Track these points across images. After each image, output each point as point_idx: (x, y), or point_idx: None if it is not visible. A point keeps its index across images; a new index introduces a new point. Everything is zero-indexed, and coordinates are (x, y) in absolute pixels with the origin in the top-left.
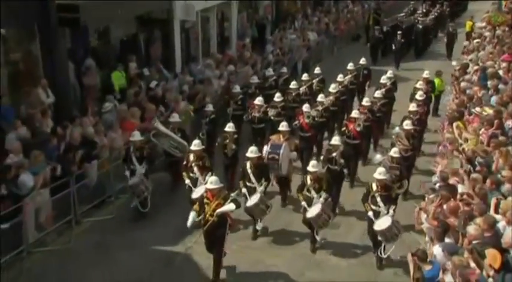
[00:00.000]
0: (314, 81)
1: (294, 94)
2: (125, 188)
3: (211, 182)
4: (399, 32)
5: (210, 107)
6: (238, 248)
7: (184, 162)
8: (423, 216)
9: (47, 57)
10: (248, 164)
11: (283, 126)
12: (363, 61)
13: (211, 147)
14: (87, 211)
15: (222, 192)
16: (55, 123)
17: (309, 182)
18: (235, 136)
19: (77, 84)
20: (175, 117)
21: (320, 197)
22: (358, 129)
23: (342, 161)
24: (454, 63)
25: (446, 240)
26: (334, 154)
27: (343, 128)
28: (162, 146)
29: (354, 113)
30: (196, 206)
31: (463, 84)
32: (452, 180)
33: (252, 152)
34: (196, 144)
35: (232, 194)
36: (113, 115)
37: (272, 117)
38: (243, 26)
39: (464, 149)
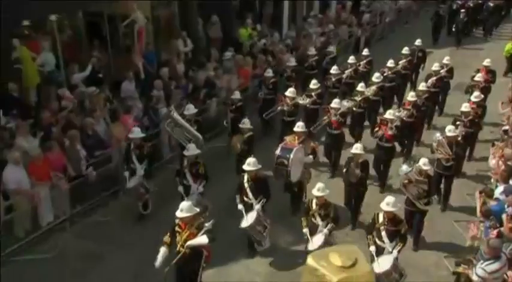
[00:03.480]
0: (361, 63)
1: (334, 79)
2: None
3: (182, 209)
4: (462, 10)
5: (237, 95)
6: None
7: (179, 167)
8: (491, 161)
9: (182, 14)
10: (246, 178)
11: (298, 126)
12: (418, 42)
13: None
14: None
15: (195, 221)
16: (186, 67)
17: (314, 206)
18: (248, 134)
19: (204, 36)
20: (190, 109)
21: (326, 225)
22: (390, 132)
23: (358, 172)
24: None
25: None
26: (355, 162)
27: (376, 129)
28: (175, 136)
29: (388, 114)
30: (167, 238)
31: None
32: None
33: (249, 164)
34: (190, 149)
35: (206, 224)
36: (231, 62)
37: (307, 105)
38: None
39: None
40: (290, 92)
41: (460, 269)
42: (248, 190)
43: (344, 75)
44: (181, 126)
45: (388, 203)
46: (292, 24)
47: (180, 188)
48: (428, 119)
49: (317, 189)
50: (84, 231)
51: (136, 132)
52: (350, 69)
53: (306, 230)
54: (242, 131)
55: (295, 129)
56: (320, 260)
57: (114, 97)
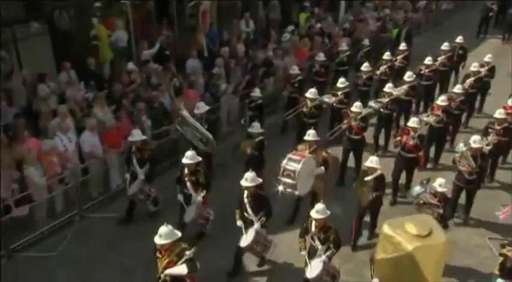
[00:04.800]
0: (398, 57)
1: (364, 77)
2: None
3: (161, 234)
4: None
5: (257, 92)
6: None
7: (179, 175)
8: None
9: None
10: (245, 193)
11: (309, 134)
12: (459, 39)
13: None
14: None
15: (175, 247)
16: (246, 48)
17: (313, 228)
18: (259, 139)
19: (264, 17)
20: (200, 108)
21: (327, 249)
22: (412, 142)
23: (370, 197)
24: None
25: None
26: (369, 178)
27: (397, 137)
28: (186, 135)
29: (412, 122)
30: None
31: None
32: None
33: (247, 179)
34: (189, 157)
35: (187, 252)
36: (289, 43)
37: (334, 105)
38: None
39: None
40: (311, 92)
41: (504, 251)
42: (247, 206)
43: (378, 72)
44: (191, 125)
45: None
46: (349, 8)
47: (180, 197)
48: (465, 122)
49: (316, 211)
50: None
51: (137, 135)
52: (384, 66)
53: (304, 253)
54: (252, 135)
55: (306, 137)
56: (396, 228)
57: (178, 73)
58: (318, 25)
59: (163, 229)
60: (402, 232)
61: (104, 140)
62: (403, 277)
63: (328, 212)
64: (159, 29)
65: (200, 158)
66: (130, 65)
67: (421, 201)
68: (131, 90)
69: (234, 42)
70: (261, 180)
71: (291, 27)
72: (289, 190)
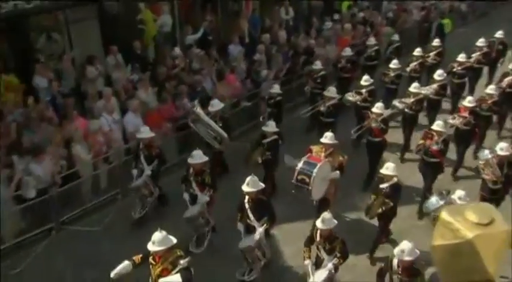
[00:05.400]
0: (431, 54)
1: (392, 75)
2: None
3: (154, 241)
4: None
5: (276, 88)
6: None
7: (185, 173)
8: None
9: None
10: (246, 198)
11: (326, 137)
12: (499, 34)
13: None
14: None
15: (170, 255)
16: (288, 35)
17: (318, 238)
18: (272, 138)
19: (306, 5)
20: (215, 106)
21: (334, 258)
22: (435, 147)
23: (378, 211)
24: None
25: None
26: (385, 185)
27: (420, 141)
28: (200, 133)
29: (436, 126)
30: (137, 258)
31: None
32: None
33: (248, 184)
34: (195, 156)
35: (181, 261)
36: (331, 32)
37: (358, 103)
38: None
39: None
40: (330, 91)
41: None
42: (249, 211)
43: (408, 69)
44: (204, 123)
45: (323, 221)
46: None
47: (186, 196)
48: (499, 126)
49: (321, 221)
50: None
51: (145, 132)
52: (415, 62)
53: (307, 262)
54: (266, 134)
55: (322, 140)
56: (455, 214)
57: (220, 58)
58: (361, 14)
59: (157, 235)
60: (462, 219)
61: (146, 121)
62: (460, 264)
63: (335, 222)
64: (203, 15)
65: (206, 158)
66: (177, 50)
67: (436, 215)
68: (174, 74)
69: (275, 29)
70: (263, 185)
71: (336, 16)
72: (303, 195)
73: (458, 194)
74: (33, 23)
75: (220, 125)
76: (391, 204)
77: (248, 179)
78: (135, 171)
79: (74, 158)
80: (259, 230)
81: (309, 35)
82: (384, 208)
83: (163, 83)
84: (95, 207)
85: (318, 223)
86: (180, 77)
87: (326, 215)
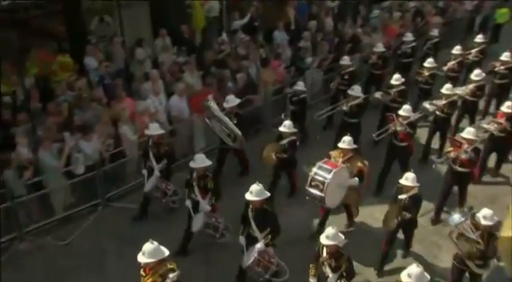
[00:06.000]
0: (473, 51)
1: (427, 74)
2: None
3: (144, 252)
4: None
5: (301, 85)
6: None
7: (188, 177)
8: None
9: None
10: (250, 207)
11: (344, 142)
12: None
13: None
14: None
15: (160, 268)
16: (335, 22)
17: (324, 254)
18: (290, 139)
19: None
20: (230, 102)
21: (338, 278)
22: (464, 156)
23: (394, 222)
24: None
25: None
26: (403, 196)
27: (449, 148)
28: (214, 129)
29: (467, 133)
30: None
31: None
32: None
33: (252, 193)
34: (197, 160)
35: (171, 275)
36: (378, 20)
37: (388, 104)
38: None
39: None
40: (354, 89)
41: None
42: (252, 221)
43: (445, 68)
44: (218, 119)
45: (328, 236)
46: None
47: (188, 203)
48: None
49: (326, 237)
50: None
51: (154, 129)
52: (453, 61)
53: (312, 281)
54: (283, 135)
55: (340, 145)
56: None
57: (266, 44)
58: (412, 3)
59: (148, 246)
60: None
61: (191, 104)
62: None
63: (341, 237)
64: (250, 0)
65: (209, 162)
66: (223, 36)
67: (459, 232)
68: (220, 58)
69: (322, 16)
70: (268, 194)
71: (385, 3)
72: (316, 202)
73: (483, 212)
74: (87, 6)
75: (235, 122)
76: (409, 216)
77: (252, 187)
78: (144, 171)
79: (121, 137)
80: (258, 246)
81: (356, 23)
82: (399, 219)
83: (209, 67)
84: (139, 185)
85: (323, 239)
86: (225, 61)
87: (330, 230)
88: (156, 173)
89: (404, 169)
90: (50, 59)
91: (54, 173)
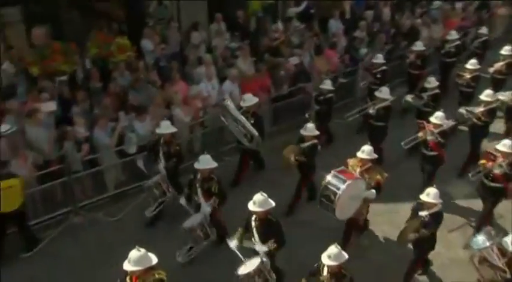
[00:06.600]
0: None
1: (468, 76)
2: None
3: (130, 259)
4: None
5: (327, 84)
6: None
7: (191, 177)
8: None
9: None
10: (253, 217)
11: (363, 151)
12: None
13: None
14: None
15: (148, 276)
16: (392, 13)
17: (325, 273)
18: (311, 143)
19: None
20: (247, 101)
21: None
22: (498, 171)
23: (412, 236)
24: None
25: None
26: (424, 213)
27: (482, 161)
28: (229, 128)
29: (503, 146)
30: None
31: None
32: None
33: (255, 203)
34: (201, 161)
35: None
36: (439, 12)
37: (421, 107)
38: None
39: None
40: (382, 91)
41: None
42: (254, 231)
43: (491, 69)
44: (235, 119)
45: (330, 256)
46: None
47: (183, 201)
48: None
49: (327, 256)
50: (278, 145)
51: (165, 127)
52: (501, 63)
53: None
54: (304, 138)
55: (359, 154)
56: None
57: (320, 32)
58: None
59: (134, 254)
60: None
61: (242, 88)
62: None
63: (345, 257)
64: None
65: (215, 164)
66: (279, 24)
67: (482, 257)
68: (274, 45)
69: (380, 6)
70: (273, 204)
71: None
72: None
73: (511, 237)
74: None
75: (252, 122)
76: (428, 234)
77: (255, 197)
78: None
79: (174, 118)
80: (262, 252)
81: (414, 13)
82: (417, 235)
83: (262, 54)
84: (188, 167)
85: (325, 259)
86: (279, 49)
87: (333, 249)
88: (163, 171)
89: (430, 180)
90: (109, 40)
91: (107, 151)
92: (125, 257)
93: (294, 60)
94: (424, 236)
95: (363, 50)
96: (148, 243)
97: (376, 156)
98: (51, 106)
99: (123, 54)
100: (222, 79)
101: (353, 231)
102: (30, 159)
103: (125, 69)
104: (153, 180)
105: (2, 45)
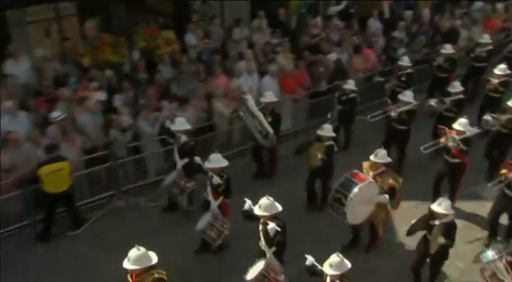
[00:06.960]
0: None
1: (497, 81)
2: None
3: (129, 258)
4: None
5: (351, 84)
6: None
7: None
8: None
9: None
10: (260, 220)
11: (377, 154)
12: None
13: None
14: None
15: (147, 275)
16: (432, 13)
17: (327, 280)
18: (328, 144)
19: None
20: (267, 97)
21: None
22: None
23: (442, 240)
24: None
25: None
26: (436, 223)
27: (503, 170)
28: (246, 122)
29: None
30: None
31: None
32: None
33: (260, 207)
34: (212, 160)
35: None
36: (480, 13)
37: (443, 113)
38: None
39: None
40: (405, 95)
41: None
42: (261, 234)
43: None
44: (251, 113)
45: (332, 265)
46: None
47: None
48: None
49: (329, 265)
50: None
51: (179, 124)
52: None
53: None
54: (322, 138)
55: (372, 158)
56: None
57: (360, 31)
58: None
59: (134, 252)
60: None
61: (281, 84)
62: None
63: (347, 266)
64: None
65: (226, 163)
66: (318, 21)
67: (491, 272)
68: (314, 43)
69: (420, 6)
70: (280, 208)
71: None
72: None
73: None
74: None
75: (269, 120)
76: (444, 241)
77: (261, 201)
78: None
79: (214, 112)
80: (268, 257)
81: (453, 14)
82: (444, 241)
83: (302, 50)
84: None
85: (326, 268)
86: (318, 46)
87: (335, 258)
88: (179, 167)
89: (454, 188)
90: (156, 33)
91: (150, 139)
92: (163, 240)
93: (332, 57)
94: (441, 245)
95: (401, 50)
96: (186, 229)
97: (389, 160)
98: (101, 95)
99: (169, 47)
100: (262, 74)
101: (372, 234)
102: (78, 143)
103: (169, 62)
104: (169, 179)
105: (59, 37)
